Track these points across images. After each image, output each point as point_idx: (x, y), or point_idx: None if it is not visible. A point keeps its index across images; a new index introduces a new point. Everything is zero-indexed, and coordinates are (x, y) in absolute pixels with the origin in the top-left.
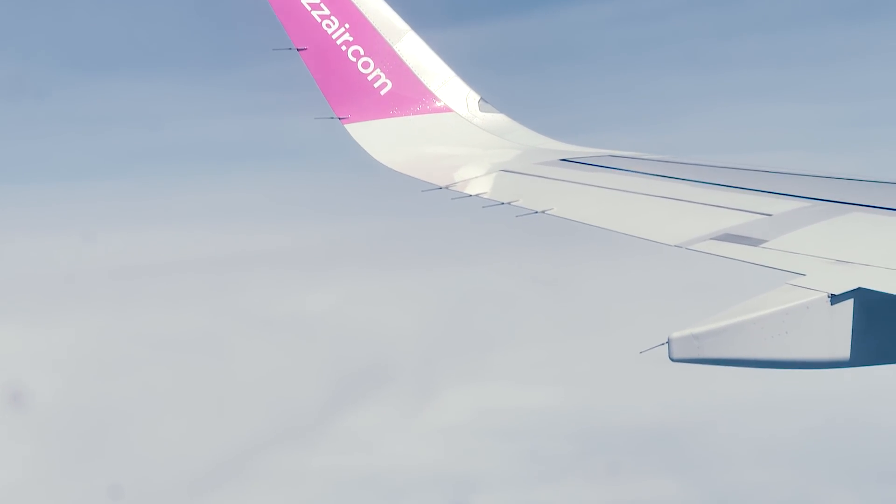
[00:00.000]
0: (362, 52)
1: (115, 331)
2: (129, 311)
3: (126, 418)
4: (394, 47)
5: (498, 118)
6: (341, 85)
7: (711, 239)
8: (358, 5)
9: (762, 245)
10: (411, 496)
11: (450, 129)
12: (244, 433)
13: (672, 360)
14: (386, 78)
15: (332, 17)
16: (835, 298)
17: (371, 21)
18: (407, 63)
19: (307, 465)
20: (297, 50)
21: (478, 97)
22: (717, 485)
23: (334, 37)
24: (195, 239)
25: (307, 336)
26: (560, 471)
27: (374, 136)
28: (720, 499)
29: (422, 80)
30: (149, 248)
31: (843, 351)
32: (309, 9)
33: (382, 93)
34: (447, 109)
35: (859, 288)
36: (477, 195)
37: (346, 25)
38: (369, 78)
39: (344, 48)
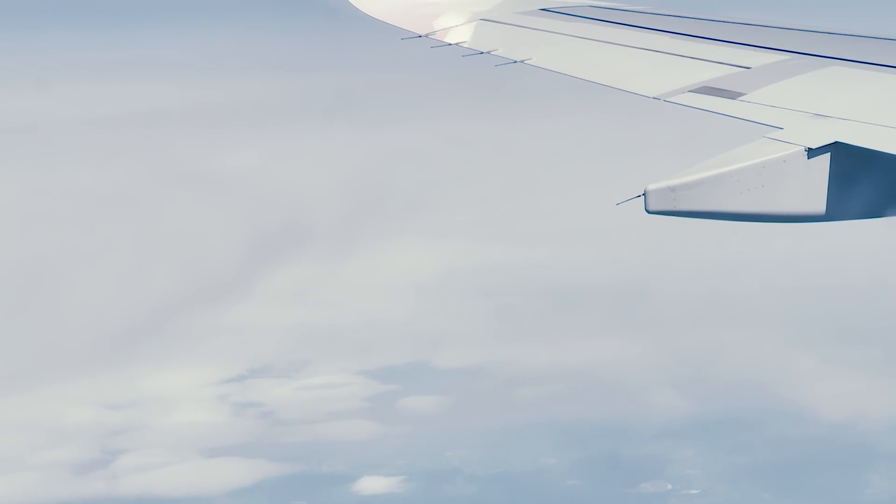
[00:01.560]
0: None
1: (38, 185)
2: (55, 167)
3: (49, 273)
4: None
5: None
6: None
7: (690, 91)
8: None
9: (740, 98)
10: (371, 352)
11: None
12: (170, 289)
13: (648, 212)
14: None
15: None
16: (812, 152)
17: None
18: None
19: (249, 322)
20: None
21: None
22: (684, 344)
23: None
24: (134, 93)
25: (243, 193)
26: (525, 329)
27: None
28: (686, 357)
29: None
30: (82, 103)
31: (819, 205)
32: None
33: None
34: None
35: (836, 142)
36: (456, 44)
37: None
38: None
39: None
